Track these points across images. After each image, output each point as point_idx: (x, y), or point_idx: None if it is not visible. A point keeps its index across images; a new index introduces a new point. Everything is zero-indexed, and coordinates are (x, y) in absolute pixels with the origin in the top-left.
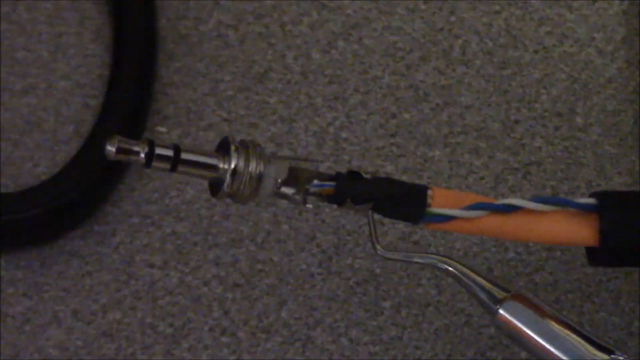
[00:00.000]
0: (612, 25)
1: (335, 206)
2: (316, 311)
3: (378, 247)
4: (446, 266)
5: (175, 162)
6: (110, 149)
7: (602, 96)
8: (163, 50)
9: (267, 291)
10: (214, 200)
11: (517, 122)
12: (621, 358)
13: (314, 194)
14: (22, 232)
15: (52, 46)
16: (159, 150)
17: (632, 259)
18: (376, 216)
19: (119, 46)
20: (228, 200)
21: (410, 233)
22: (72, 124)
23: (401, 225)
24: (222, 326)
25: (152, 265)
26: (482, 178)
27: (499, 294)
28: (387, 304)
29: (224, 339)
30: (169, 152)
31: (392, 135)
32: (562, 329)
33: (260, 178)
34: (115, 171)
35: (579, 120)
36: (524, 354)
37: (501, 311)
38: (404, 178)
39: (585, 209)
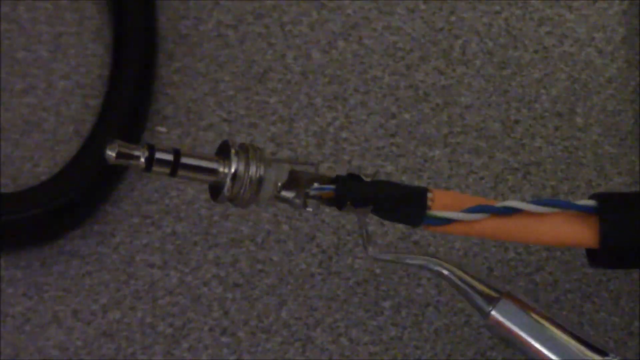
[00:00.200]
0: (612, 25)
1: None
2: (316, 311)
3: (369, 248)
4: (437, 267)
5: (175, 166)
6: (110, 153)
7: (602, 96)
8: (163, 50)
9: (267, 291)
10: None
11: (517, 122)
12: None
13: (314, 197)
14: (22, 232)
15: (52, 46)
16: (159, 155)
17: (633, 261)
18: (375, 217)
19: (119, 46)
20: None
21: (410, 233)
22: (72, 124)
23: (401, 226)
24: (222, 326)
25: (152, 265)
26: (482, 178)
27: (491, 295)
28: (387, 304)
29: (224, 339)
30: (169, 157)
31: (392, 135)
32: (556, 330)
33: (260, 182)
34: (115, 171)
35: (579, 120)
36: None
37: (493, 312)
38: (404, 178)
39: (585, 210)
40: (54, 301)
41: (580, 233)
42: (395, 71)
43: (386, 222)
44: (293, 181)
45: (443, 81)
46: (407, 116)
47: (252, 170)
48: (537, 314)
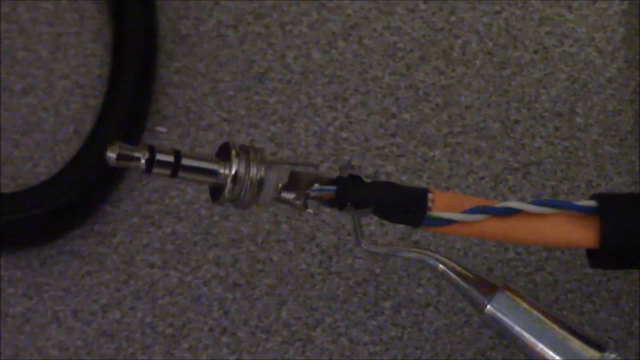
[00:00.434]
0: (612, 25)
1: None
2: (316, 311)
3: (363, 241)
4: (433, 261)
5: (175, 168)
6: (111, 155)
7: (602, 96)
8: (163, 50)
9: (267, 291)
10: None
11: (517, 122)
12: (613, 356)
13: (314, 199)
14: (22, 232)
15: (52, 46)
16: (159, 156)
17: (633, 261)
18: (376, 217)
19: (119, 46)
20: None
21: (410, 233)
22: (72, 124)
23: (402, 226)
24: (222, 326)
25: (152, 265)
26: (482, 178)
27: (487, 289)
28: (387, 304)
29: (224, 339)
30: (170, 158)
31: (392, 135)
32: (553, 325)
33: (261, 183)
34: (115, 171)
35: (579, 120)
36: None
37: (489, 307)
38: (404, 178)
39: (585, 211)
40: (54, 301)
41: (581, 233)
42: (395, 71)
43: (386, 222)
44: (294, 182)
45: (443, 81)
46: (407, 116)
47: (253, 171)
48: (535, 308)
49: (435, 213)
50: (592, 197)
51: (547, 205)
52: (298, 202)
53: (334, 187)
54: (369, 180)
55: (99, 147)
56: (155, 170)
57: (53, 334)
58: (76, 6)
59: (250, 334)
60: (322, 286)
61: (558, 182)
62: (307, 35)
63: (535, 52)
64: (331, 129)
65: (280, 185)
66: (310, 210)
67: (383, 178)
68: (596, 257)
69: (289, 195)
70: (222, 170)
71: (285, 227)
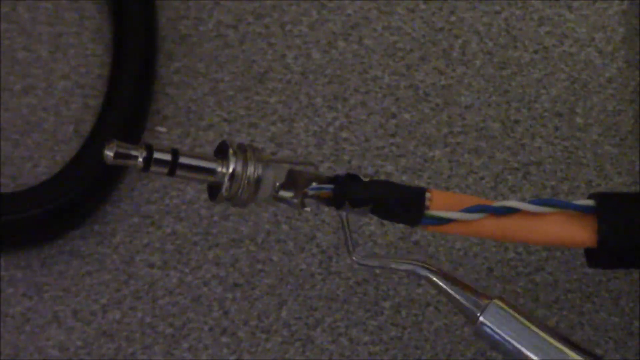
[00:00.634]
0: (612, 25)
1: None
2: (316, 311)
3: (354, 253)
4: (424, 272)
5: (173, 166)
6: (109, 153)
7: (602, 96)
8: (163, 50)
9: (267, 291)
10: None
11: (517, 122)
12: None
13: (312, 197)
14: (22, 232)
15: (52, 46)
16: (157, 155)
17: (631, 260)
18: (376, 217)
19: (119, 46)
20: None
21: (410, 233)
22: (72, 124)
23: (401, 225)
24: (222, 326)
25: (152, 265)
26: (482, 178)
27: (479, 301)
28: (387, 304)
29: (224, 339)
30: (167, 157)
31: (392, 135)
32: (546, 336)
33: (258, 182)
34: (115, 171)
35: (579, 120)
36: None
37: (481, 318)
38: (404, 178)
39: (583, 210)
40: (54, 301)
41: (579, 233)
42: (395, 71)
43: (386, 222)
44: (291, 181)
45: (443, 81)
46: (407, 116)
47: (250, 170)
48: (528, 319)
49: (433, 212)
50: (590, 196)
51: (545, 205)
52: (296, 201)
53: (331, 186)
54: (366, 179)
55: (99, 147)
56: (153, 168)
57: (53, 334)
58: (76, 6)
59: (250, 334)
60: (322, 286)
61: (558, 182)
62: (307, 35)
63: (535, 52)
64: (331, 129)
65: (277, 184)
66: (308, 209)
67: (383, 178)
68: (594, 257)
69: (287, 194)
70: (219, 169)
71: (285, 227)
